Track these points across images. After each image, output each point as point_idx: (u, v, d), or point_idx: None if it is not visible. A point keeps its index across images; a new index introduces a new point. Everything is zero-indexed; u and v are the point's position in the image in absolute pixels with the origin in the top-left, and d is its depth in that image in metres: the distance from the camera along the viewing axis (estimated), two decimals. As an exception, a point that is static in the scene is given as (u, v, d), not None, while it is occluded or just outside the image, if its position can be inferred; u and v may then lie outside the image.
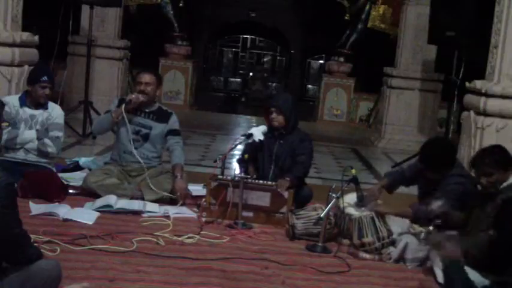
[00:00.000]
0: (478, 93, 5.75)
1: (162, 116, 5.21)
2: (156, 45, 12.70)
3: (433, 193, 4.22)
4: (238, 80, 20.41)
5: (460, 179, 4.16)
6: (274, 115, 5.01)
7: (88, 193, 4.99)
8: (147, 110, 5.20)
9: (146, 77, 5.15)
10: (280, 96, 5.70)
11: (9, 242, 2.55)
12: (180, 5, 12.65)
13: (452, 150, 4.44)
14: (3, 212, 2.50)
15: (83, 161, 5.83)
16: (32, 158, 5.01)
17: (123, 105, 5.05)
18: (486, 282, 3.20)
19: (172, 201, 4.96)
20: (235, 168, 5.20)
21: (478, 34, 7.00)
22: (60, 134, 5.14)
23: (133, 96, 5.11)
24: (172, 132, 5.21)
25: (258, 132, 4.90)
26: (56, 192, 4.84)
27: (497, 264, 3.24)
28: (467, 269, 3.30)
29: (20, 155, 4.99)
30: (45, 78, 5.01)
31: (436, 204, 3.90)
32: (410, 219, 4.29)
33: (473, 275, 3.26)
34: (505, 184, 3.62)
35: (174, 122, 5.24)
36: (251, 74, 19.97)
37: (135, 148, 5.11)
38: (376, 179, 6.99)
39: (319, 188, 5.55)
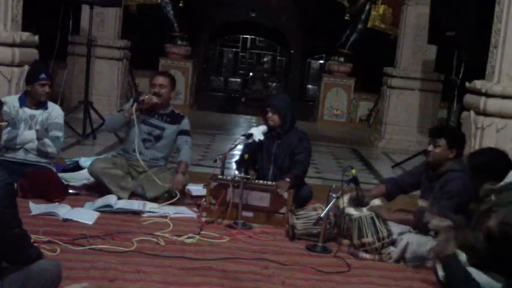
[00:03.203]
0: (478, 93, 5.75)
1: (174, 119, 5.28)
2: (156, 45, 12.70)
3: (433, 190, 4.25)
4: (238, 80, 20.38)
5: (458, 175, 4.17)
6: (269, 114, 5.04)
7: (88, 192, 5.01)
8: (160, 112, 5.24)
9: (160, 79, 5.20)
10: (276, 96, 5.73)
11: (9, 241, 2.55)
12: (180, 5, 12.64)
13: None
14: (3, 212, 2.50)
15: (82, 161, 5.83)
16: (32, 158, 5.01)
17: (135, 105, 5.08)
18: (496, 285, 3.17)
19: (172, 197, 4.96)
20: (235, 168, 5.20)
21: (478, 34, 6.99)
22: (60, 134, 5.14)
23: (146, 96, 5.12)
24: (183, 132, 5.28)
25: (258, 132, 4.91)
26: (56, 192, 4.84)
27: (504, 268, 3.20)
28: (473, 270, 3.28)
29: (20, 155, 4.99)
30: (43, 76, 5.01)
31: (435, 223, 3.91)
32: (412, 227, 4.28)
33: (479, 277, 3.24)
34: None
35: (186, 124, 5.31)
36: (251, 74, 19.94)
37: (146, 148, 5.18)
38: (376, 179, 7.00)
39: (319, 188, 5.56)
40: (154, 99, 5.11)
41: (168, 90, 5.21)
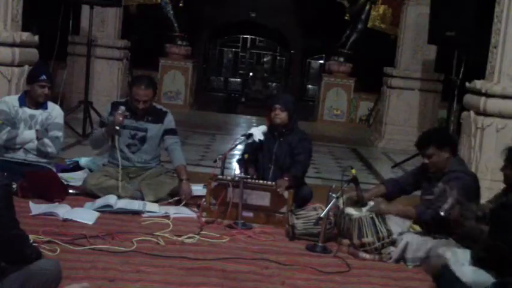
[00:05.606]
0: (478, 93, 5.75)
1: (157, 116, 5.14)
2: (156, 45, 12.70)
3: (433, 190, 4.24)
4: (238, 80, 20.43)
5: (459, 175, 4.17)
6: (278, 111, 5.01)
7: (88, 193, 4.99)
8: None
9: (142, 94, 4.98)
10: (283, 95, 5.70)
11: (6, 242, 2.55)
12: (180, 5, 12.65)
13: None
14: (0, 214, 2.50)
15: (83, 161, 5.83)
16: (32, 158, 5.01)
17: (115, 129, 4.96)
18: (489, 282, 3.19)
19: (174, 202, 4.96)
20: (235, 168, 5.19)
21: (478, 34, 6.99)
22: (60, 134, 5.14)
23: (117, 125, 4.94)
24: (170, 132, 5.17)
25: (258, 132, 4.91)
26: (56, 192, 4.84)
27: (498, 266, 3.22)
28: (470, 268, 3.29)
29: (20, 155, 4.99)
30: (43, 77, 5.00)
31: (449, 200, 3.87)
32: (413, 220, 4.28)
33: (477, 274, 3.24)
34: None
35: (169, 122, 5.18)
36: (251, 74, 19.97)
37: (133, 152, 5.09)
38: (376, 179, 7.00)
39: (319, 188, 5.55)
40: (121, 118, 4.94)
41: (151, 97, 5.03)
